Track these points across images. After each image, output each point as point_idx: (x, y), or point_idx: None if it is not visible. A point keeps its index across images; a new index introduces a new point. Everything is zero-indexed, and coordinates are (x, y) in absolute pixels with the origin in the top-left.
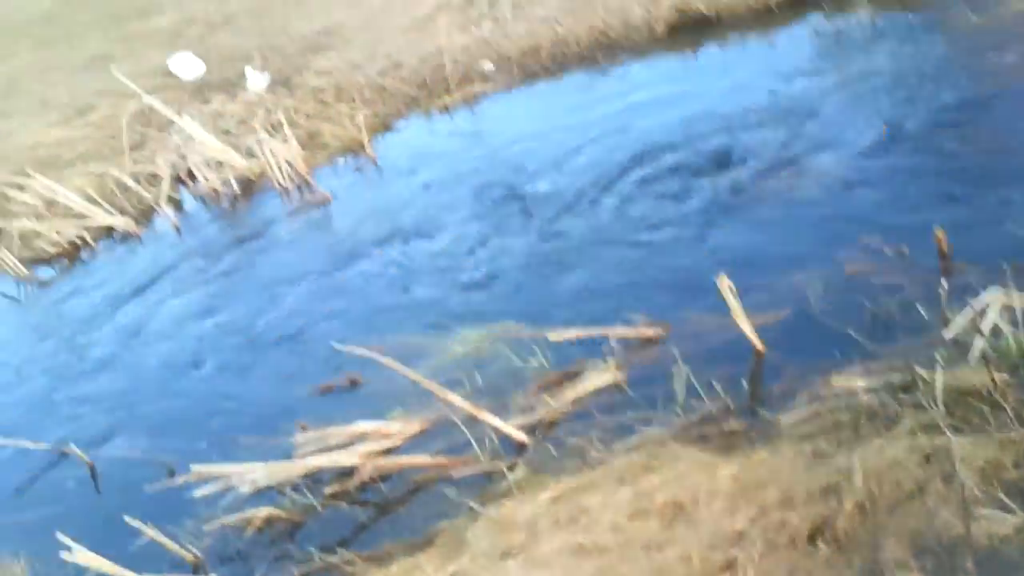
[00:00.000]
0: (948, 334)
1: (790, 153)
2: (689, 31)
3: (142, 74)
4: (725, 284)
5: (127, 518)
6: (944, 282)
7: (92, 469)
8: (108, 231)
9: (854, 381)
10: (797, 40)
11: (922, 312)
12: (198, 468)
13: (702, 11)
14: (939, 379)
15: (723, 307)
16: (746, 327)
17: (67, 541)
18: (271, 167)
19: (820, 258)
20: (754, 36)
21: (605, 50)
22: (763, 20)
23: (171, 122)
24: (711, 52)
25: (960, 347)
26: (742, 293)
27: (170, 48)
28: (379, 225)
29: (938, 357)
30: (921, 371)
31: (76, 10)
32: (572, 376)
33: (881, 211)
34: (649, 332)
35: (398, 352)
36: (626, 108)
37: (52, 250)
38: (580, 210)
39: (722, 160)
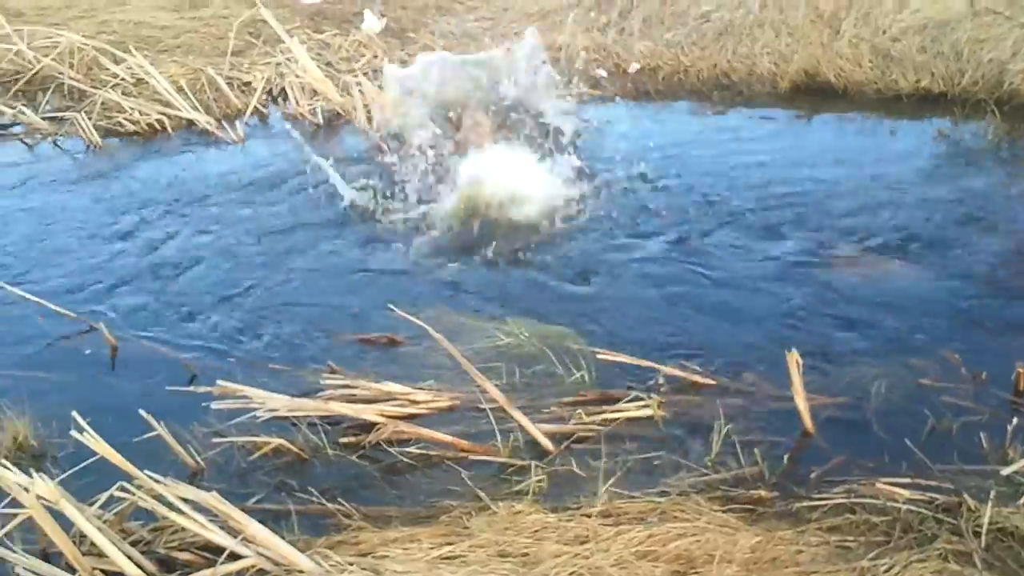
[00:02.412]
0: (1006, 471)
1: (878, 240)
2: (812, 95)
3: None
4: (794, 360)
5: (142, 411)
6: (1015, 419)
7: (115, 351)
8: (188, 124)
9: (898, 489)
10: (916, 136)
11: (983, 442)
12: (224, 383)
13: (831, 80)
14: (987, 512)
15: (779, 374)
16: (802, 405)
17: (81, 422)
18: (358, 110)
19: (894, 357)
20: (873, 119)
21: (722, 90)
22: (888, 107)
23: (280, 40)
24: (826, 121)
25: (1013, 487)
26: (806, 368)
27: None
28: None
29: (991, 491)
30: (969, 499)
31: None
32: (611, 400)
33: (967, 327)
34: (700, 379)
35: (443, 326)
36: (718, 147)
37: (129, 127)
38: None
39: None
